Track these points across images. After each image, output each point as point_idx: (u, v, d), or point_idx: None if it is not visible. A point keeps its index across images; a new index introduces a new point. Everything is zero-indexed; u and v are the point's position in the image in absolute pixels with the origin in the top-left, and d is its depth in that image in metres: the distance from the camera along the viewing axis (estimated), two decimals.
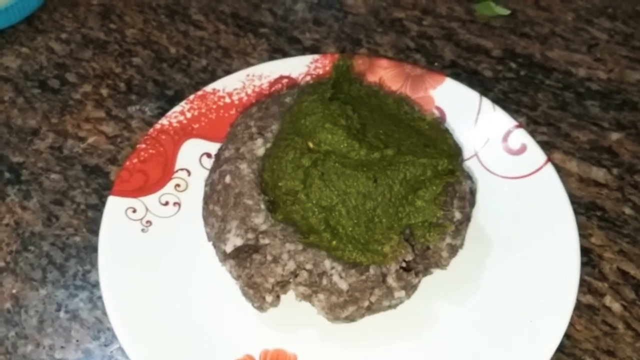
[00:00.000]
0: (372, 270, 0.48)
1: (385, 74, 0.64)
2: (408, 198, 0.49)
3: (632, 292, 0.55)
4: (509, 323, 0.50)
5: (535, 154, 0.58)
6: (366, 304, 0.48)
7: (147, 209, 0.56)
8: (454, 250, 0.52)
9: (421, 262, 0.50)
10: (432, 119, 0.56)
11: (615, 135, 0.64)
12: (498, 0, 0.75)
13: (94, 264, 0.56)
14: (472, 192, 0.55)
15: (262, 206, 0.51)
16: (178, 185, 0.58)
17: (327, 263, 0.48)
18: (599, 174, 0.61)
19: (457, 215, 0.51)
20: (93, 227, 0.58)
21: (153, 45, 0.72)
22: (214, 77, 0.68)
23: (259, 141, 0.54)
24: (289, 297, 0.51)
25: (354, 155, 0.50)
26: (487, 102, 0.61)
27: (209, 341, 0.50)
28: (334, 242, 0.48)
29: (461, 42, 0.72)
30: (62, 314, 0.54)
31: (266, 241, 0.49)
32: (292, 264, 0.48)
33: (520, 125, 0.60)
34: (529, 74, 0.69)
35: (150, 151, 0.59)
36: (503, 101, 0.66)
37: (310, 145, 0.51)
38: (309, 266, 0.48)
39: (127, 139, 0.64)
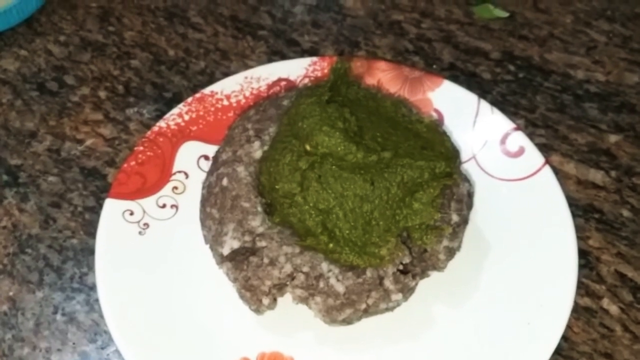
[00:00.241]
0: (369, 273, 0.48)
1: (383, 77, 0.64)
2: (405, 201, 0.49)
3: (630, 294, 0.54)
4: (506, 325, 0.50)
5: (533, 156, 0.58)
6: (363, 306, 0.48)
7: (144, 212, 0.56)
8: (451, 252, 0.52)
9: (418, 264, 0.50)
10: (430, 121, 0.56)
11: (613, 138, 0.64)
12: (497, 2, 0.75)
13: (91, 267, 0.56)
14: (470, 195, 0.55)
15: (259, 209, 0.51)
16: (175, 187, 0.58)
17: (324, 266, 0.48)
18: (597, 176, 0.61)
19: (455, 217, 0.51)
20: (90, 229, 0.58)
21: (151, 48, 0.72)
22: (212, 80, 0.68)
23: (257, 144, 0.54)
24: (286, 300, 0.51)
25: (351, 158, 0.50)
26: (485, 105, 0.61)
27: (206, 344, 0.50)
28: (331, 245, 0.48)
29: (460, 44, 0.72)
30: (58, 317, 0.54)
31: (263, 244, 0.49)
32: (289, 266, 0.48)
33: (518, 128, 0.60)
34: (528, 77, 0.69)
35: (148, 154, 0.59)
36: (501, 103, 0.66)
37: (308, 147, 0.51)
38: (305, 269, 0.48)
39: (125, 142, 0.64)
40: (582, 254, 0.56)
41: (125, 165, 0.58)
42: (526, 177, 0.57)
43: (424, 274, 0.51)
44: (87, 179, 0.62)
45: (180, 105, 0.62)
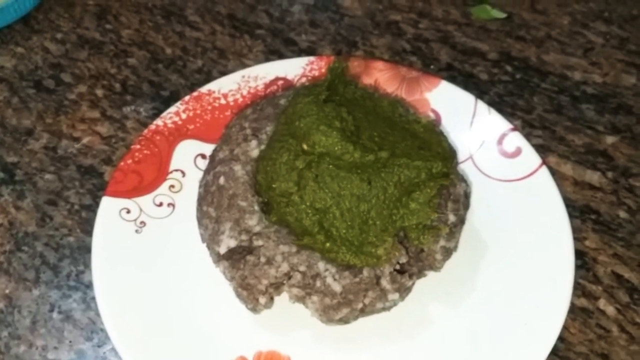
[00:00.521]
0: (365, 273, 0.48)
1: (380, 77, 0.64)
2: (402, 200, 0.49)
3: (626, 295, 0.55)
4: (503, 326, 0.50)
5: (530, 157, 0.58)
6: (360, 306, 0.48)
7: (141, 210, 0.56)
8: (448, 252, 0.52)
9: (415, 264, 0.50)
10: (427, 121, 0.56)
11: (610, 139, 0.64)
12: (494, 3, 0.75)
13: (87, 265, 0.56)
14: (467, 195, 0.55)
15: (256, 208, 0.51)
16: (172, 186, 0.58)
17: (321, 265, 0.48)
18: (593, 177, 0.62)
19: (452, 217, 0.51)
20: (87, 227, 0.58)
21: (149, 46, 0.72)
22: (209, 78, 0.68)
23: (253, 143, 0.54)
24: (282, 299, 0.51)
25: (348, 158, 0.50)
26: (482, 105, 0.61)
27: (203, 342, 0.50)
28: (328, 244, 0.48)
29: (457, 45, 0.72)
30: (55, 315, 0.54)
31: (260, 243, 0.49)
32: (286, 265, 0.48)
33: (515, 129, 0.60)
34: (525, 77, 0.69)
35: (145, 152, 0.58)
36: (498, 104, 0.66)
37: (305, 147, 0.50)
38: (302, 268, 0.48)
39: (122, 140, 0.64)
40: (579, 254, 0.56)
41: (122, 163, 0.58)
42: (523, 178, 0.57)
43: (420, 273, 0.52)
44: (84, 177, 0.62)
45: (178, 104, 0.62)
